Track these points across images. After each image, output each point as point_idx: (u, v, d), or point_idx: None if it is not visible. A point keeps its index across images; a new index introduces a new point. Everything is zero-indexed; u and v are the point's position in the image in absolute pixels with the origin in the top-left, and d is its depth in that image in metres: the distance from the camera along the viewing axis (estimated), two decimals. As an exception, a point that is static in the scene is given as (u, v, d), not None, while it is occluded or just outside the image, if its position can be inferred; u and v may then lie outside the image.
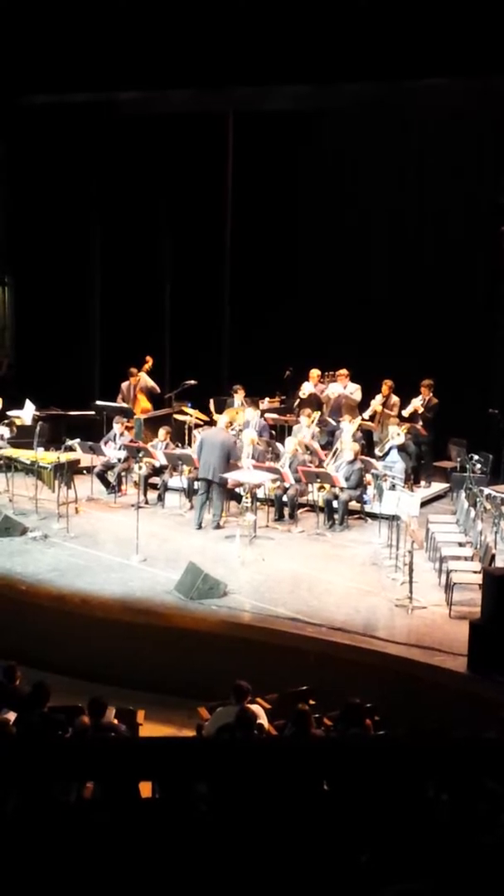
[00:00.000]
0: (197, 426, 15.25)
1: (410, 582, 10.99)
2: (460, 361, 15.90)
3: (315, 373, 15.73)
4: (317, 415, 15.03)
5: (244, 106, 16.60)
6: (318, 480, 13.46)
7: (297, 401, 15.71)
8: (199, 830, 4.78)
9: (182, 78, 14.71)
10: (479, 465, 13.81)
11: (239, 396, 15.62)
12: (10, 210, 18.46)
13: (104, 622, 10.94)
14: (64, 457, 13.61)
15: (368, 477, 13.67)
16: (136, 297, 17.91)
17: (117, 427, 14.61)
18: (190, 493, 13.92)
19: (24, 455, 14.15)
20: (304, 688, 8.86)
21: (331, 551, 12.69)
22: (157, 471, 14.31)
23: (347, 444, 13.68)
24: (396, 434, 13.88)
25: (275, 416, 15.71)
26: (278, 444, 14.63)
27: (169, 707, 9.78)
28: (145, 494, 14.14)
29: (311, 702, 8.29)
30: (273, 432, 15.38)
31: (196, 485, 13.51)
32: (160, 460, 14.02)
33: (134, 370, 16.34)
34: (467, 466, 13.65)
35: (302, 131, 16.93)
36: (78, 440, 14.20)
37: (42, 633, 11.02)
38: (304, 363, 15.99)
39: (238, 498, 13.45)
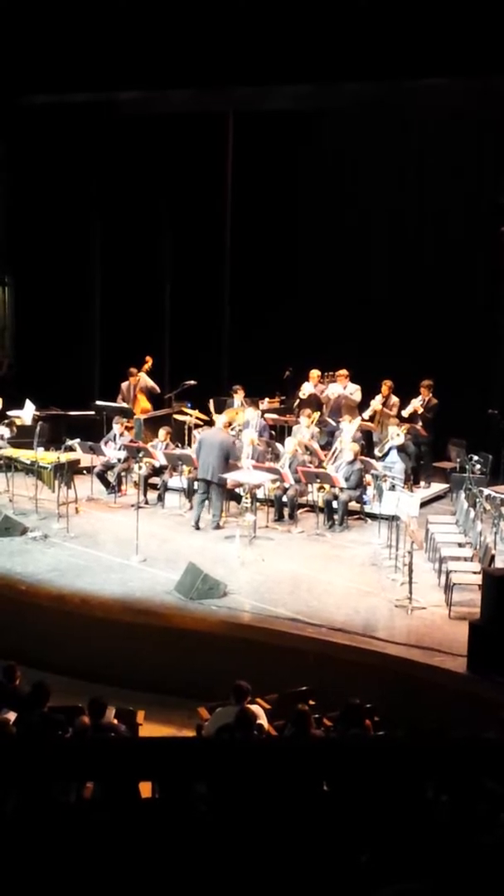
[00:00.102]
0: (197, 426, 15.25)
1: (410, 582, 10.99)
2: (460, 362, 15.90)
3: (315, 373, 15.74)
4: (316, 415, 15.03)
5: (244, 106, 16.61)
6: (318, 481, 13.46)
7: (297, 401, 15.72)
8: (198, 831, 4.78)
9: (182, 78, 14.72)
10: (478, 466, 13.82)
11: (239, 397, 15.62)
12: (11, 210, 18.46)
13: (104, 622, 10.94)
14: (64, 457, 13.62)
15: (368, 477, 13.67)
16: (135, 297, 17.91)
17: (117, 427, 14.61)
18: (190, 493, 13.92)
19: (25, 455, 14.15)
20: (304, 688, 8.86)
21: (330, 552, 12.69)
22: (157, 471, 14.31)
23: (347, 445, 13.68)
24: (396, 434, 13.88)
25: (275, 416, 15.72)
26: (278, 445, 14.63)
27: (169, 707, 9.78)
28: (145, 494, 14.14)
29: (311, 702, 8.29)
30: (273, 432, 15.38)
31: (196, 485, 13.51)
32: (160, 460, 14.02)
33: (134, 370, 16.34)
34: (467, 467, 13.65)
35: (302, 131, 16.94)
36: (78, 440, 14.20)
37: (42, 633, 11.02)
38: (304, 363, 15.99)
39: (238, 498, 13.46)
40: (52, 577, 11.64)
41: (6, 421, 15.15)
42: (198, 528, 13.20)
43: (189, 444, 14.85)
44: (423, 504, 13.83)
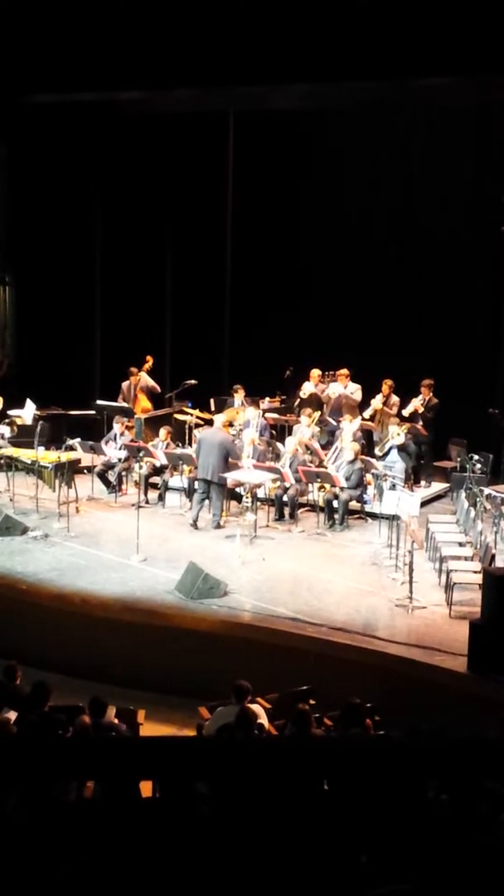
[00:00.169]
0: (197, 426, 15.25)
1: (410, 582, 10.99)
2: (461, 361, 15.91)
3: (316, 372, 15.74)
4: (317, 414, 15.03)
5: (246, 105, 16.61)
6: (319, 480, 13.47)
7: (298, 400, 15.72)
8: (199, 830, 4.79)
9: (184, 77, 14.70)
10: (479, 465, 13.82)
11: (239, 396, 15.63)
12: (12, 209, 18.45)
13: (105, 622, 10.94)
14: (65, 456, 13.62)
15: (369, 477, 13.68)
16: (136, 296, 17.91)
17: (118, 427, 14.61)
18: (190, 492, 13.92)
19: (25, 454, 14.15)
20: (305, 687, 8.86)
21: (331, 551, 12.70)
22: (158, 470, 14.32)
23: (348, 444, 13.68)
24: (396, 434, 13.88)
25: (275, 415, 15.72)
26: (278, 444, 14.64)
27: (169, 707, 9.79)
28: (146, 494, 14.15)
29: (312, 701, 8.29)
30: (273, 432, 15.39)
31: (196, 484, 13.52)
32: (161, 460, 14.03)
33: (134, 370, 16.34)
34: (467, 466, 13.66)
35: (302, 130, 16.95)
36: (78, 440, 14.21)
37: (42, 633, 11.03)
38: (305, 363, 16.00)
39: (238, 498, 13.46)
40: (53, 577, 11.64)
41: (7, 420, 15.15)
42: (195, 527, 13.20)
43: (190, 444, 14.85)
44: (424, 503, 13.85)
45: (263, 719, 7.84)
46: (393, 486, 12.53)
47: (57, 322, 17.85)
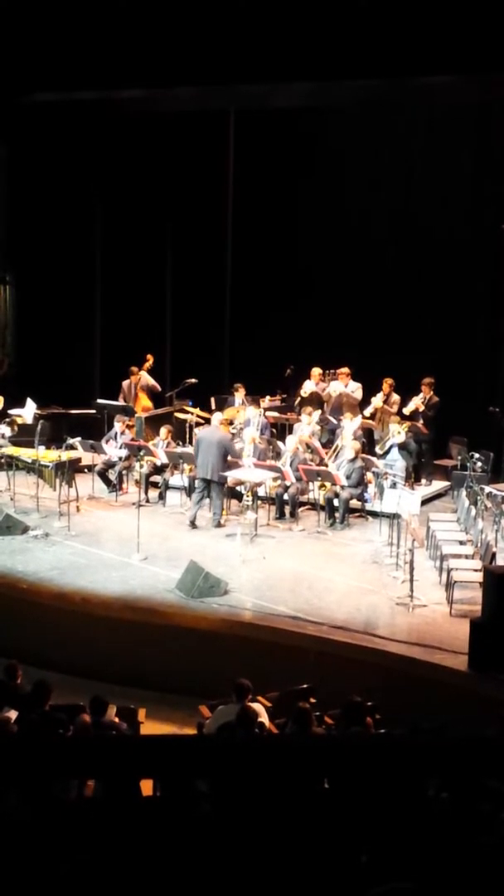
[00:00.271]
0: (198, 424, 15.25)
1: (411, 580, 10.99)
2: (461, 359, 15.91)
3: (316, 371, 15.75)
4: (317, 413, 15.04)
5: (247, 103, 16.61)
6: (319, 479, 13.47)
7: (299, 399, 15.72)
8: (199, 829, 4.79)
9: (184, 76, 14.70)
10: (479, 464, 13.82)
11: (239, 395, 15.63)
12: (12, 208, 18.45)
13: (105, 620, 10.95)
14: (65, 455, 13.63)
15: (369, 475, 13.68)
16: (137, 295, 17.91)
17: (118, 425, 14.61)
18: (191, 491, 13.92)
19: (26, 453, 14.16)
20: (305, 686, 8.86)
21: (331, 549, 12.70)
22: (159, 469, 14.32)
23: (348, 443, 13.68)
24: (397, 432, 13.88)
25: (276, 414, 15.72)
26: (279, 443, 14.64)
27: (170, 705, 9.79)
28: (146, 493, 14.15)
29: (312, 700, 8.30)
30: (274, 430, 15.39)
31: (196, 483, 13.51)
32: (161, 459, 14.03)
33: (135, 369, 16.34)
34: (468, 464, 13.66)
35: (304, 129, 16.94)
36: (79, 439, 14.21)
37: (43, 632, 11.03)
38: (306, 361, 16.00)
39: (239, 496, 13.46)
40: (54, 576, 11.64)
41: (7, 419, 15.15)
42: (194, 526, 13.20)
43: (190, 443, 14.85)
44: (424, 502, 13.86)
45: (264, 718, 7.84)
46: (393, 485, 12.53)
47: (57, 321, 17.85)
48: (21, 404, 15.60)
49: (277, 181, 17.16)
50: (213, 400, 16.09)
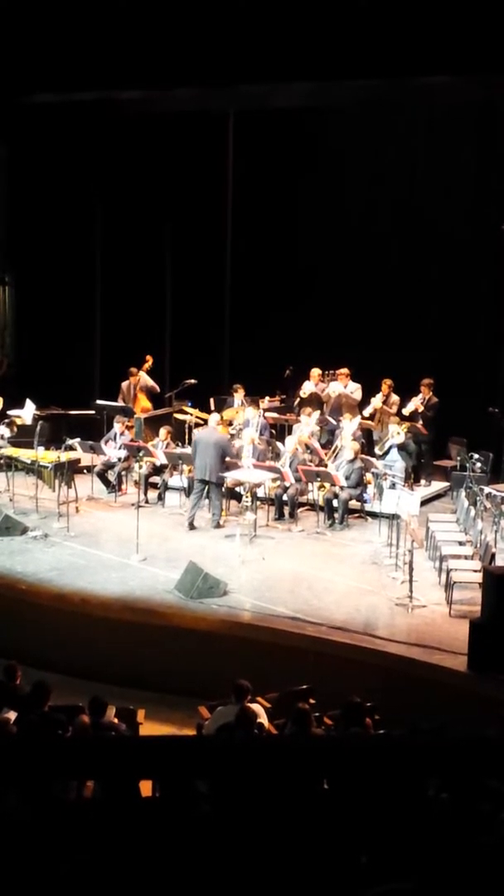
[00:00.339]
0: (197, 425, 15.24)
1: (410, 581, 10.99)
2: (460, 360, 15.91)
3: (316, 372, 15.75)
4: (316, 414, 15.03)
5: (247, 104, 16.60)
6: (319, 479, 13.47)
7: (298, 400, 15.72)
8: (198, 829, 4.78)
9: (184, 77, 14.71)
10: (478, 464, 13.82)
11: (239, 395, 15.62)
12: (11, 209, 18.45)
13: (104, 621, 10.94)
14: (64, 456, 13.62)
15: (368, 476, 13.67)
16: (136, 296, 17.91)
17: (118, 426, 14.61)
18: (190, 492, 13.92)
19: (25, 454, 14.16)
20: (304, 687, 8.86)
21: (331, 550, 12.69)
22: (158, 470, 14.32)
23: (348, 443, 13.68)
24: (396, 433, 13.88)
25: (275, 415, 15.72)
26: (278, 444, 14.63)
27: (169, 706, 9.79)
28: (145, 494, 14.15)
29: (311, 701, 8.29)
30: (273, 431, 15.38)
31: (194, 484, 13.49)
32: (160, 459, 14.03)
33: (134, 369, 16.34)
34: (467, 465, 13.66)
35: (303, 129, 16.93)
36: (78, 439, 14.20)
37: (42, 633, 11.03)
38: (305, 362, 16.00)
39: (238, 497, 13.46)
40: (53, 577, 11.64)
41: (6, 420, 15.14)
42: (192, 527, 13.19)
43: (189, 443, 14.84)
44: (424, 502, 13.84)
45: (263, 718, 7.84)
46: (393, 485, 12.53)
47: (57, 322, 17.85)
48: (20, 405, 15.59)
49: (277, 182, 17.15)
50: (212, 401, 16.09)
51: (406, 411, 14.78)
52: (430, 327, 16.25)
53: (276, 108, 16.42)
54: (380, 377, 15.15)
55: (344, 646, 10.13)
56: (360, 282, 16.77)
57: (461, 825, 5.10)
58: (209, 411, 15.58)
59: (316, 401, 15.49)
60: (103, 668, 10.47)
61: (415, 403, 14.76)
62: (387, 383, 15.06)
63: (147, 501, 14.00)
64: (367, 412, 15.05)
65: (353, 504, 13.62)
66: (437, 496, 14.85)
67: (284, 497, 13.60)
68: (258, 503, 13.39)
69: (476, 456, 13.85)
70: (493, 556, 10.96)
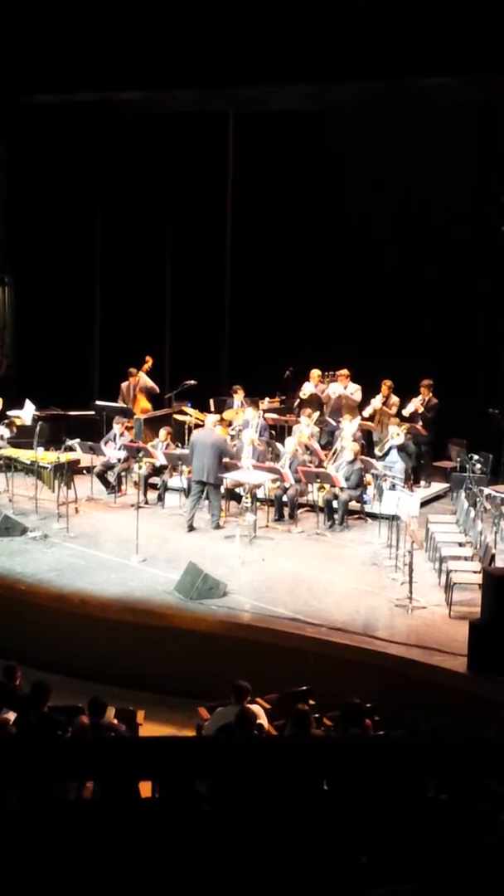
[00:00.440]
0: (197, 426, 15.23)
1: (410, 582, 10.99)
2: (460, 361, 15.91)
3: (316, 373, 15.75)
4: (316, 415, 15.03)
5: (246, 106, 16.61)
6: (318, 480, 13.46)
7: (298, 401, 15.72)
8: (198, 830, 4.78)
9: (184, 78, 14.71)
10: (478, 465, 13.83)
11: (238, 397, 15.63)
12: (11, 209, 18.45)
13: (104, 622, 10.94)
14: (64, 457, 13.62)
15: (368, 477, 13.67)
16: (136, 296, 17.91)
17: (117, 427, 14.61)
18: (189, 493, 13.91)
19: (24, 455, 14.15)
20: (304, 688, 8.85)
21: (331, 551, 12.69)
22: (157, 471, 14.31)
23: (347, 444, 13.68)
24: (396, 434, 13.87)
25: (275, 415, 15.72)
26: (278, 445, 14.63)
27: (169, 707, 9.79)
28: (145, 494, 14.15)
29: (311, 702, 8.29)
30: (273, 432, 15.38)
31: (192, 486, 13.48)
32: (160, 460, 14.02)
33: (133, 370, 16.34)
34: (467, 466, 13.66)
35: (303, 131, 16.92)
36: (78, 440, 14.20)
37: (42, 633, 11.02)
38: (305, 363, 16.00)
39: (238, 498, 13.45)
40: (52, 577, 11.63)
41: (6, 421, 15.14)
42: (191, 528, 13.18)
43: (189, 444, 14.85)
44: (424, 503, 13.83)
45: (263, 719, 7.84)
46: (393, 487, 12.53)
47: (56, 322, 17.85)
48: (20, 406, 15.58)
49: (277, 183, 17.15)
50: (212, 401, 16.09)
51: (406, 412, 14.78)
52: (429, 328, 16.25)
53: (275, 110, 16.42)
54: (379, 378, 15.15)
55: (344, 647, 10.13)
56: (359, 283, 16.77)
57: (461, 826, 5.09)
58: (209, 412, 15.59)
59: (316, 402, 15.50)
60: (103, 669, 10.47)
61: (414, 404, 14.77)
62: (386, 384, 15.06)
63: (147, 502, 14.00)
64: (366, 413, 15.06)
65: (353, 505, 13.62)
66: (437, 497, 14.85)
67: (284, 498, 13.60)
68: (258, 504, 13.38)
69: (476, 457, 13.85)
70: (492, 557, 10.96)
